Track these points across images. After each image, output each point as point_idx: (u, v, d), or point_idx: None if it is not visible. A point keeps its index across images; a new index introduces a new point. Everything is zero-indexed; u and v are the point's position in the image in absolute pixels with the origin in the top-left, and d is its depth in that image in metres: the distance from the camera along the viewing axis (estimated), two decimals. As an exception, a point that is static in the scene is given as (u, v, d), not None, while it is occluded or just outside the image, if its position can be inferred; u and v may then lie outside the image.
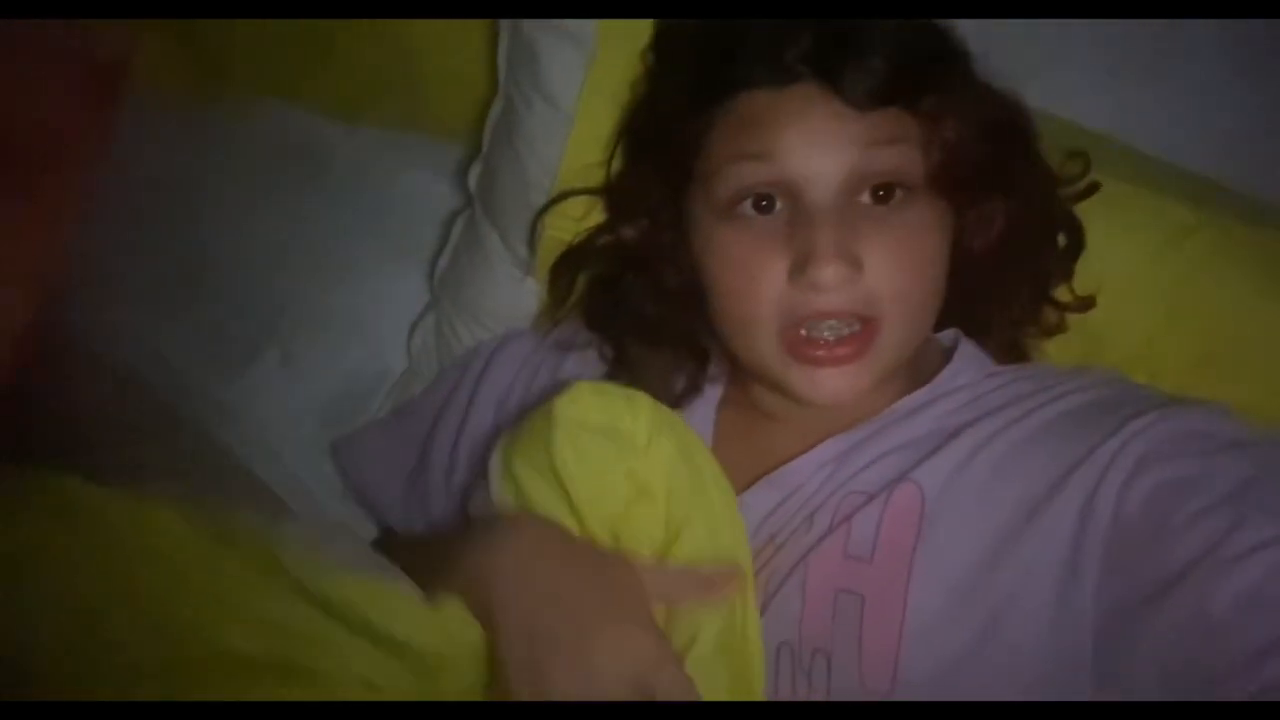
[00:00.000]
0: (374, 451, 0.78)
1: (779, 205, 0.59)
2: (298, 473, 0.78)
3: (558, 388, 0.58)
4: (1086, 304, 0.64)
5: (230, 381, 0.80)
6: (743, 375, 0.66)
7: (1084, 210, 0.64)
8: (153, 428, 0.71)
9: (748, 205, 0.59)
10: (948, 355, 0.64)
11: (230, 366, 0.80)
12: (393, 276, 0.83)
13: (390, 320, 0.83)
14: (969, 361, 0.64)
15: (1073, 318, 0.64)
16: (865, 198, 0.58)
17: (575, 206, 0.70)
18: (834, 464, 0.61)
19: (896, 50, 0.58)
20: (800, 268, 0.57)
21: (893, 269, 0.57)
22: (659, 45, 0.67)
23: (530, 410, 0.58)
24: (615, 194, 0.68)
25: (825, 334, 0.58)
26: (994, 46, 0.62)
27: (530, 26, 0.69)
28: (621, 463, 0.54)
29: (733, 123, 0.60)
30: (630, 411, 0.55)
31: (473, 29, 0.78)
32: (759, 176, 0.58)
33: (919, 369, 0.64)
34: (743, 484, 0.61)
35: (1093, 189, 0.64)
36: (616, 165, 0.69)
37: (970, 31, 0.62)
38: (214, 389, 0.79)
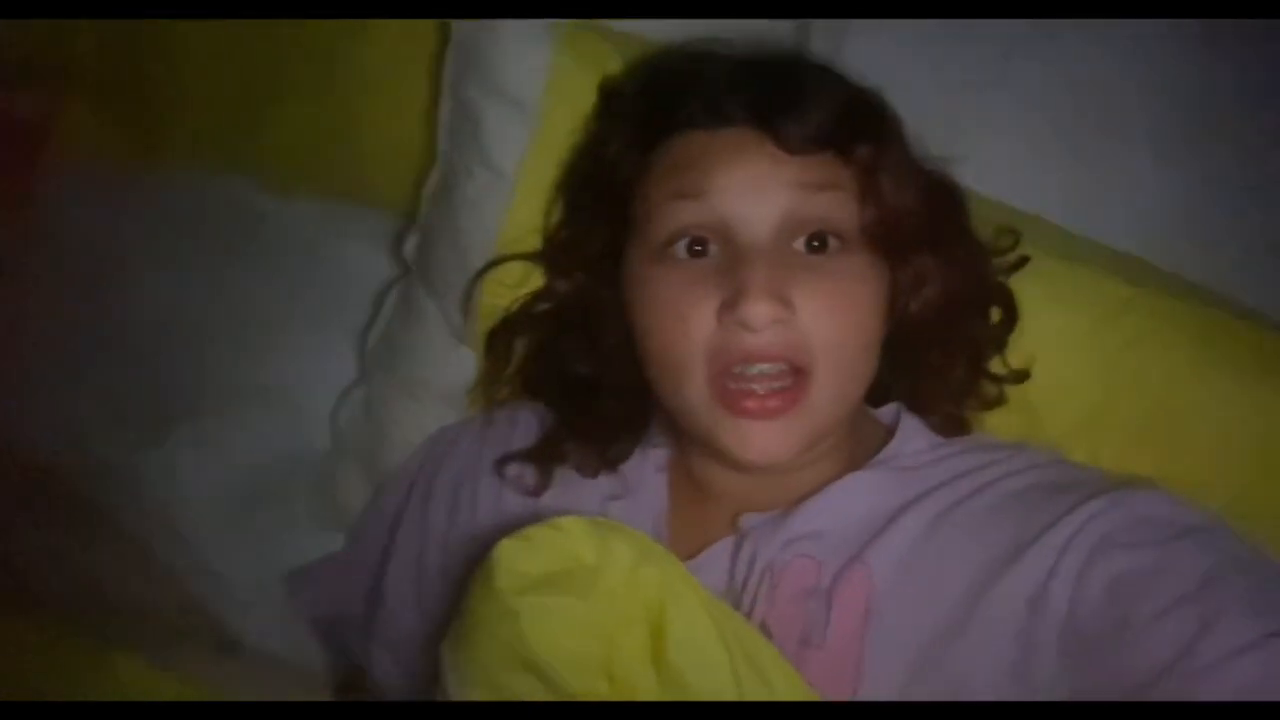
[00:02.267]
0: (330, 584, 0.75)
1: (713, 249, 0.58)
2: (210, 561, 0.73)
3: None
4: (1021, 376, 0.64)
5: (141, 460, 0.75)
6: (684, 445, 0.65)
7: (1017, 284, 0.64)
8: (68, 515, 0.66)
9: (681, 247, 0.59)
10: (888, 430, 0.64)
11: (142, 442, 0.75)
12: (319, 350, 0.80)
13: (315, 396, 0.79)
14: (912, 434, 0.63)
15: (1012, 392, 0.64)
16: (800, 244, 0.58)
17: (512, 273, 0.69)
18: (784, 520, 0.59)
19: (828, 97, 0.59)
20: (730, 306, 0.56)
21: (825, 314, 0.57)
22: (605, 104, 0.67)
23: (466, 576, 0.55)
24: (553, 248, 0.68)
25: (754, 385, 0.57)
26: (921, 126, 0.63)
27: (473, 93, 0.69)
28: (592, 607, 0.51)
29: (668, 164, 0.60)
30: (564, 538, 0.53)
31: (412, 98, 0.77)
32: (693, 217, 0.58)
33: (861, 446, 0.63)
34: (697, 548, 0.60)
35: (1023, 262, 0.65)
36: (554, 222, 0.68)
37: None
38: (125, 467, 0.74)
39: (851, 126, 0.59)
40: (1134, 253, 0.68)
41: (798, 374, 0.57)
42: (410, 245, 0.75)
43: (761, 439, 0.57)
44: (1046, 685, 0.52)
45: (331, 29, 0.77)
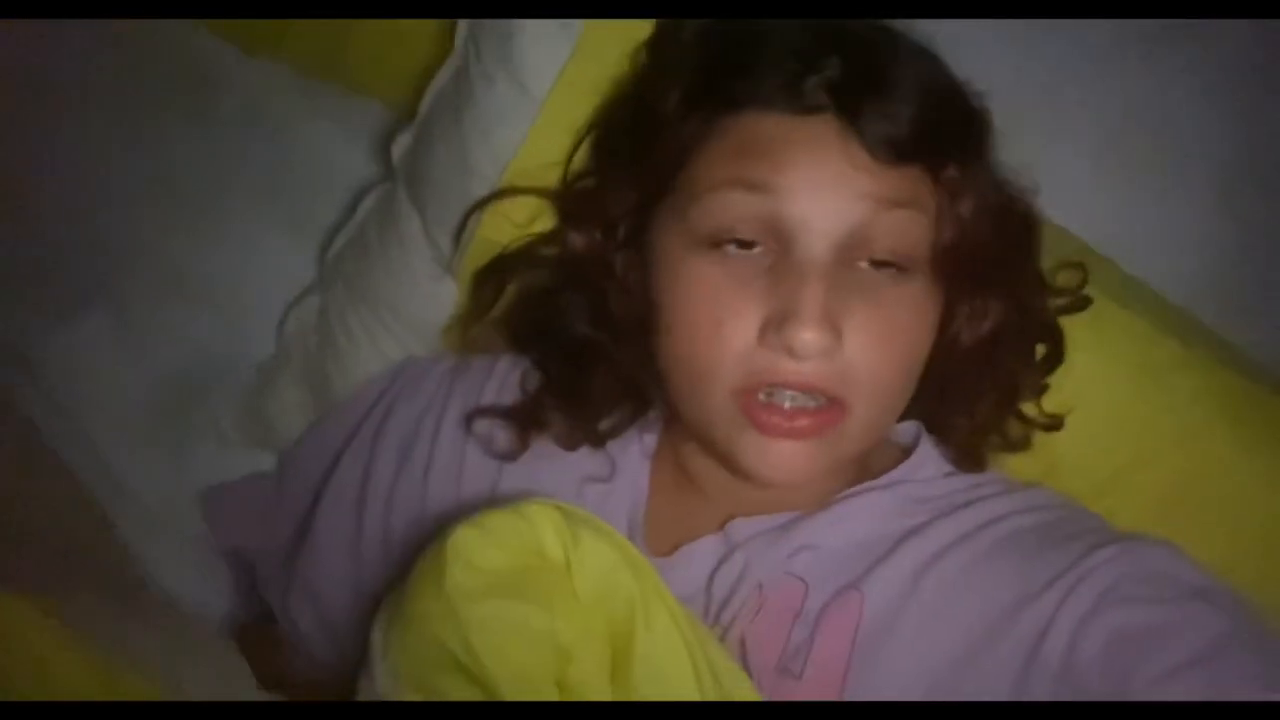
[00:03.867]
0: (252, 513, 0.67)
1: (762, 247, 0.52)
2: (112, 463, 0.64)
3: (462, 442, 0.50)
4: (1055, 423, 0.60)
5: (45, 333, 0.64)
6: (678, 432, 0.59)
7: (1066, 324, 0.60)
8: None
9: (728, 240, 0.52)
10: (902, 448, 0.60)
11: (47, 314, 0.65)
12: (274, 242, 0.71)
13: (261, 293, 0.71)
14: (926, 459, 0.59)
15: (1039, 440, 0.60)
16: (862, 262, 0.52)
17: (520, 208, 0.61)
18: (779, 534, 0.55)
19: (927, 101, 0.52)
20: (778, 325, 0.50)
21: (873, 348, 0.52)
22: (659, 39, 0.59)
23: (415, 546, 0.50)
24: (573, 196, 0.60)
25: (786, 404, 0.52)
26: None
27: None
28: (551, 616, 0.46)
29: (733, 142, 0.53)
30: (530, 529, 0.48)
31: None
32: (751, 210, 0.51)
33: (870, 458, 0.59)
34: (677, 541, 0.56)
35: (1084, 302, 0.60)
36: (578, 164, 0.60)
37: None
38: (19, 344, 0.63)
39: (946, 137, 0.53)
40: (1181, 298, 0.65)
41: (833, 402, 0.52)
42: (400, 147, 0.66)
43: (785, 459, 0.52)
44: None
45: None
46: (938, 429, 0.60)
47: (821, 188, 0.51)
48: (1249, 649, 0.48)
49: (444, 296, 0.65)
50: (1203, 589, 0.51)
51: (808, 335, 0.49)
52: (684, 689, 0.48)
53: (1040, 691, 0.49)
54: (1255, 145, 0.67)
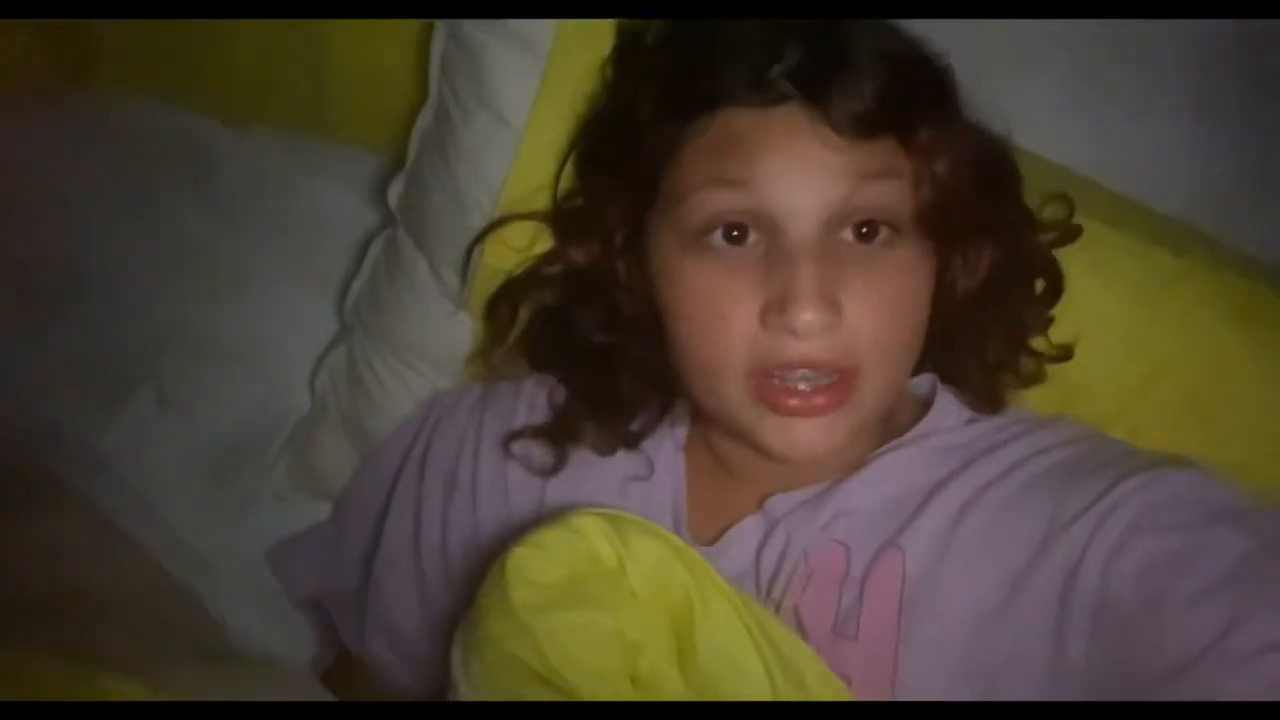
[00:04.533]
0: (317, 561, 0.70)
1: (753, 237, 0.53)
2: (182, 534, 0.67)
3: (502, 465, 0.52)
4: (1065, 353, 0.61)
5: (100, 426, 0.68)
6: (705, 421, 0.61)
7: (1063, 255, 0.60)
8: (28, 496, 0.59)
9: (718, 235, 0.53)
10: (922, 403, 0.61)
11: (100, 407, 0.68)
12: (294, 301, 0.74)
13: (291, 351, 0.73)
14: (947, 410, 0.60)
15: (1055, 370, 0.61)
16: (848, 234, 0.53)
17: (519, 234, 0.62)
18: (815, 503, 0.57)
19: (889, 74, 0.53)
20: (776, 310, 0.52)
21: (874, 315, 0.53)
22: (624, 50, 0.60)
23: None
24: (566, 213, 0.61)
25: (800, 384, 0.53)
26: (964, 72, 0.58)
27: (474, 28, 0.61)
28: (614, 616, 0.49)
29: (709, 142, 0.54)
30: (580, 540, 0.50)
31: (392, 21, 0.69)
32: (734, 205, 0.53)
33: (893, 417, 0.60)
34: (721, 527, 0.58)
35: (1074, 234, 0.61)
36: (567, 182, 0.62)
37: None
38: (82, 435, 0.67)
39: (912, 105, 0.53)
40: (1177, 215, 0.65)
41: (844, 373, 0.53)
42: (396, 192, 0.68)
43: (808, 436, 0.54)
44: (1082, 664, 0.51)
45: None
46: (953, 378, 0.61)
47: (798, 173, 0.52)
48: (1274, 566, 0.49)
49: (461, 330, 0.67)
50: (1229, 510, 0.51)
51: (808, 315, 0.51)
52: (748, 665, 0.51)
53: (1081, 620, 0.50)
54: (1229, 56, 0.66)
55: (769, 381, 0.53)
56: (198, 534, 0.69)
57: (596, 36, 0.60)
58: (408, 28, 0.68)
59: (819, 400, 0.53)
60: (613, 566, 0.51)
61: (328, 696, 0.59)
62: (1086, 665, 0.51)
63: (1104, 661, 0.50)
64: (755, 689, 0.50)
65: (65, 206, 0.71)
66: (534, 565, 0.50)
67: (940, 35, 0.57)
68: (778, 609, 0.56)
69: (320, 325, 0.73)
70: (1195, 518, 0.51)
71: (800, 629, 0.55)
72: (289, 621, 0.71)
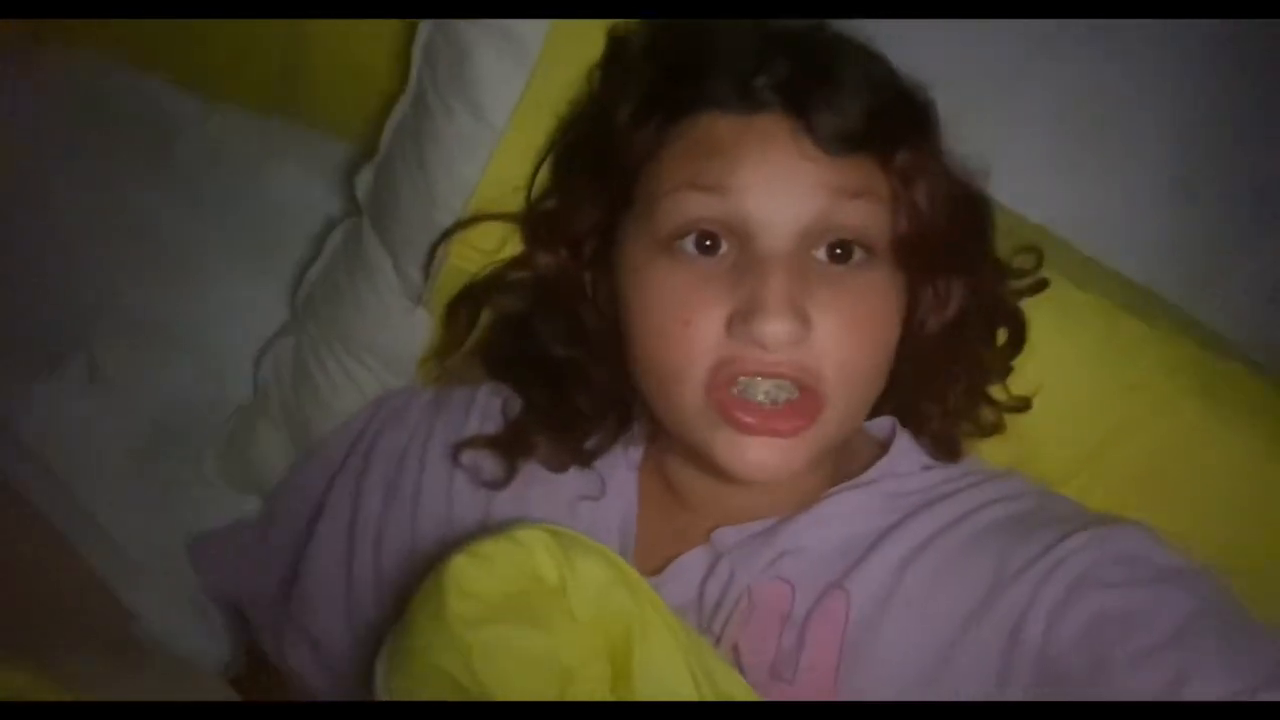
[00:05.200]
0: (240, 560, 0.67)
1: (725, 247, 0.53)
2: (99, 517, 0.63)
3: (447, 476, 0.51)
4: (1023, 405, 0.61)
5: (20, 394, 0.64)
6: (661, 445, 0.59)
7: (1029, 308, 0.61)
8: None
9: (689, 241, 0.53)
10: (879, 444, 0.61)
11: (22, 375, 0.64)
12: (243, 285, 0.71)
13: (233, 337, 0.70)
14: (904, 454, 0.60)
15: (1012, 422, 0.61)
16: (821, 253, 0.53)
17: (487, 236, 0.61)
18: (763, 538, 0.56)
19: (874, 94, 0.53)
20: (744, 318, 0.51)
21: (842, 335, 0.52)
22: (612, 52, 0.59)
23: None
24: (537, 217, 0.60)
25: (760, 397, 0.52)
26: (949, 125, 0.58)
27: (461, 22, 0.59)
28: (551, 638, 0.47)
29: (687, 146, 0.53)
30: (524, 554, 0.48)
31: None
32: (709, 211, 0.52)
33: (849, 455, 0.60)
34: (667, 555, 0.57)
35: (1041, 285, 0.61)
36: (541, 186, 0.61)
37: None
38: (4, 409, 0.63)
39: (894, 126, 0.53)
40: (1138, 272, 0.66)
41: (806, 392, 0.52)
42: (364, 182, 0.66)
43: (759, 455, 0.52)
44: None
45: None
46: (912, 420, 0.61)
47: (776, 183, 0.52)
48: (1215, 629, 0.49)
49: (418, 329, 0.65)
50: (1173, 570, 0.52)
51: (775, 325, 0.50)
52: (683, 697, 0.49)
53: (1023, 676, 0.50)
54: (1203, 123, 0.68)
55: (728, 394, 0.52)
56: (115, 519, 0.65)
57: (587, 40, 0.59)
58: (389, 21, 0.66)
59: (780, 424, 0.52)
60: (554, 585, 0.49)
61: (230, 697, 0.55)
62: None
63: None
64: None
65: (14, 165, 0.67)
66: (473, 576, 0.48)
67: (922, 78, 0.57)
68: (717, 644, 0.55)
69: (267, 312, 0.70)
70: (1139, 576, 0.51)
71: (739, 666, 0.54)
72: (207, 619, 0.67)
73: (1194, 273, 0.67)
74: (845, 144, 0.52)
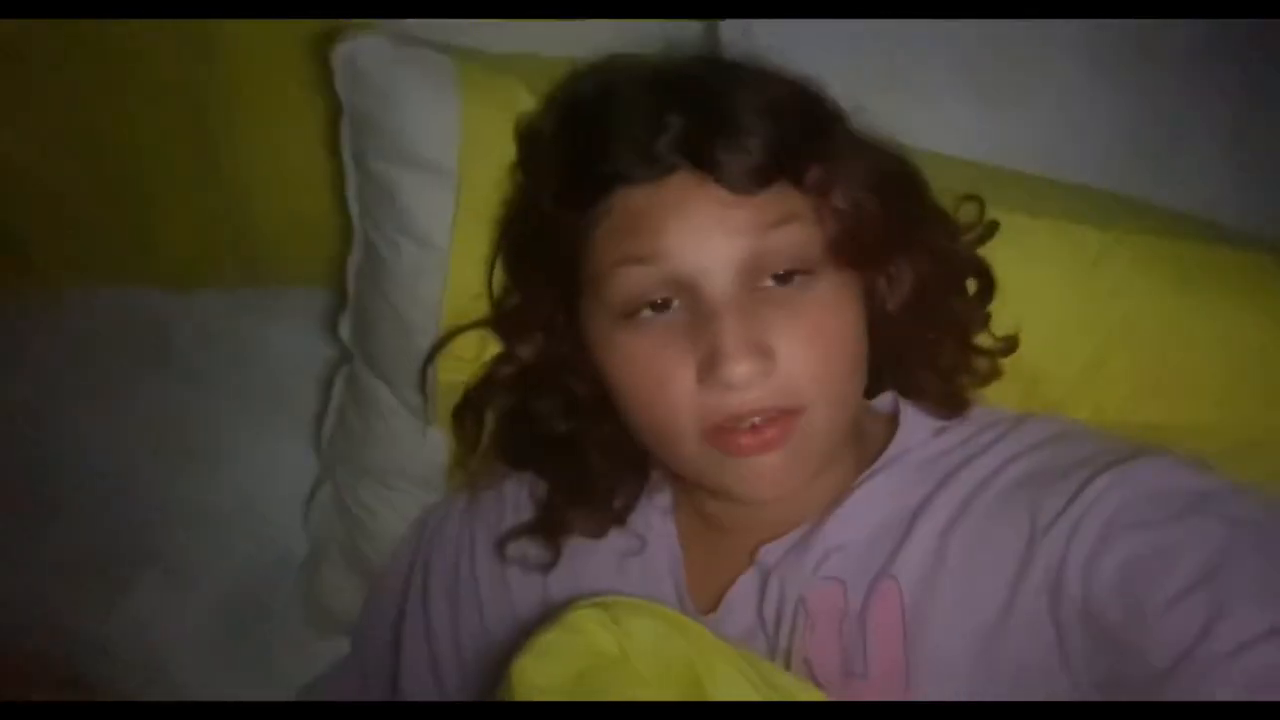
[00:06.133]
0: (347, 695, 0.70)
1: (676, 303, 0.55)
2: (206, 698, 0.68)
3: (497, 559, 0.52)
4: (1010, 346, 0.62)
5: (108, 615, 0.69)
6: (687, 484, 0.62)
7: (991, 251, 0.61)
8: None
9: (644, 308, 0.55)
10: (888, 420, 0.62)
11: (105, 597, 0.69)
12: (269, 448, 0.75)
13: (278, 499, 0.75)
14: (915, 424, 0.61)
15: (1009, 362, 0.62)
16: (767, 282, 0.55)
17: (466, 345, 0.64)
18: (804, 546, 0.57)
19: (770, 124, 0.55)
20: (708, 368, 0.53)
21: (807, 353, 0.54)
22: (525, 151, 0.62)
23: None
24: (504, 316, 0.63)
25: (746, 426, 0.54)
26: (858, 91, 0.59)
27: (379, 165, 0.62)
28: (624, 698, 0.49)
29: (613, 223, 0.56)
30: (579, 637, 0.51)
31: (306, 167, 0.70)
32: (649, 280, 0.54)
33: (863, 440, 0.61)
34: (721, 588, 0.58)
35: (992, 230, 0.62)
36: (499, 286, 0.64)
37: (834, 83, 0.59)
38: (90, 629, 0.68)
39: (798, 150, 0.55)
40: (1094, 183, 0.66)
41: (785, 412, 0.54)
42: (345, 328, 0.69)
43: (766, 474, 0.54)
44: (1085, 668, 0.51)
45: (196, 114, 0.70)
46: (912, 391, 0.62)
47: (701, 237, 0.53)
48: (1248, 556, 0.49)
49: (434, 446, 0.68)
50: (1200, 498, 0.51)
51: (739, 368, 0.52)
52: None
53: (1074, 631, 0.51)
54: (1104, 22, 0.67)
55: (720, 430, 0.54)
56: (221, 694, 0.70)
57: (499, 145, 0.62)
58: (324, 172, 0.69)
59: (770, 433, 0.54)
60: (615, 655, 0.51)
61: None
62: (1089, 673, 0.51)
63: (1104, 668, 0.50)
64: None
65: (26, 408, 0.72)
66: (538, 672, 0.50)
67: (822, 58, 0.58)
68: (788, 659, 0.56)
69: (302, 468, 0.74)
70: (1167, 512, 0.51)
71: (813, 676, 0.55)
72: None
73: (1135, 168, 0.67)
74: (754, 183, 0.54)
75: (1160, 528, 0.51)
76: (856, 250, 0.56)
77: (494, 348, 0.64)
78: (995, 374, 0.62)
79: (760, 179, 0.53)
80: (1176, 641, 0.47)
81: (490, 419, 0.65)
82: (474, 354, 0.64)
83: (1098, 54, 0.67)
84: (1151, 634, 0.48)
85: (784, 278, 0.54)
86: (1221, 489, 0.52)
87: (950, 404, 0.61)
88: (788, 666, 0.56)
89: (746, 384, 0.52)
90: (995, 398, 0.63)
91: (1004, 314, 0.62)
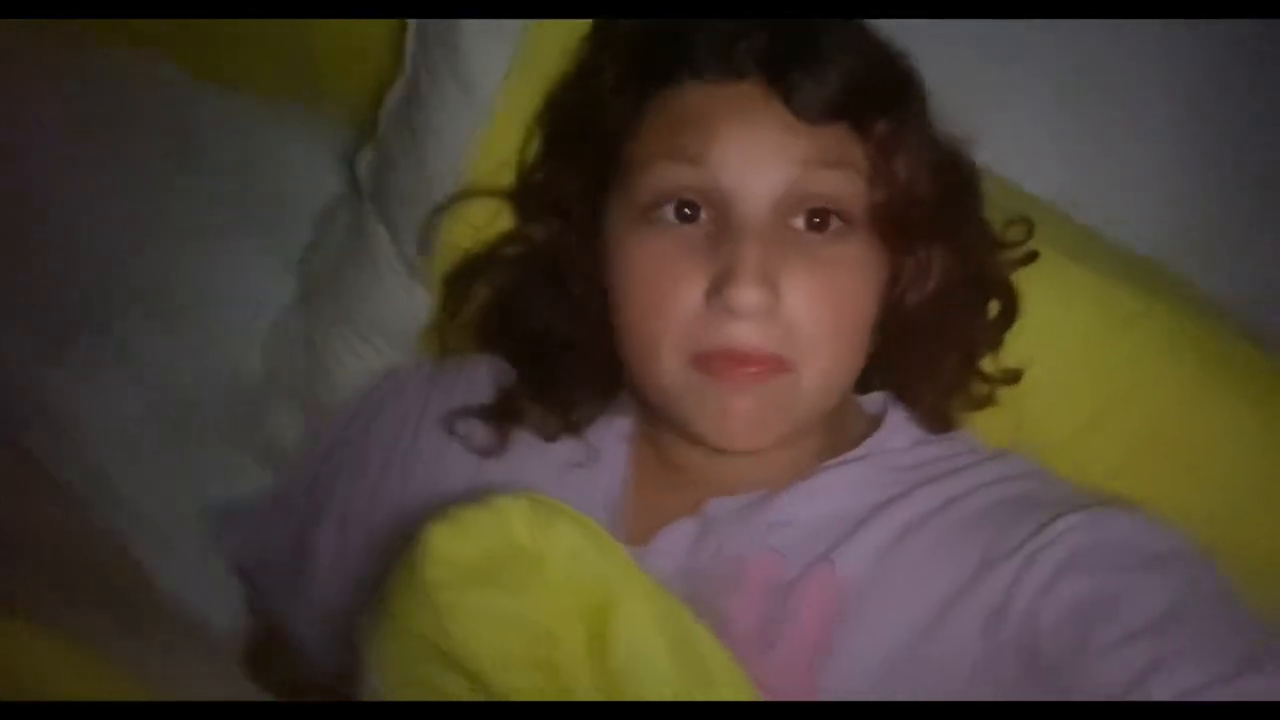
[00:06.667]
0: (256, 530, 0.69)
1: (703, 215, 0.53)
2: (124, 493, 0.66)
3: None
4: (1013, 378, 0.61)
5: (44, 365, 0.67)
6: (652, 417, 0.60)
7: (1021, 280, 0.60)
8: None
9: (669, 210, 0.53)
10: (873, 419, 0.61)
11: (44, 347, 0.67)
12: (251, 264, 0.73)
13: (245, 314, 0.72)
14: (897, 429, 0.60)
15: (1004, 394, 0.61)
16: (799, 221, 0.53)
17: (479, 211, 0.62)
18: (754, 509, 0.56)
19: (852, 63, 0.54)
20: (718, 287, 0.51)
21: (815, 304, 0.53)
22: (598, 29, 0.60)
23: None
24: (527, 189, 0.61)
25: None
26: (941, 91, 0.58)
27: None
28: (526, 602, 0.48)
29: (667, 116, 0.54)
30: (500, 521, 0.49)
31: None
32: (686, 180, 0.53)
33: (842, 430, 0.60)
34: (657, 525, 0.57)
35: (1031, 257, 0.61)
36: (531, 158, 0.62)
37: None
38: (21, 375, 0.66)
39: (873, 96, 0.53)
40: (1141, 244, 0.65)
41: (781, 360, 0.53)
42: (365, 164, 0.68)
43: (740, 417, 0.53)
44: (1004, 694, 0.50)
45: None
46: (905, 396, 0.61)
47: (752, 153, 0.52)
48: (1199, 615, 0.49)
49: (417, 305, 0.66)
50: (1162, 555, 0.51)
51: (746, 293, 0.50)
52: (660, 664, 0.50)
53: (1002, 660, 0.50)
54: (1205, 86, 0.66)
55: (710, 359, 0.53)
56: (140, 487, 0.67)
57: (571, 23, 0.60)
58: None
59: (756, 369, 0.52)
60: (529, 551, 0.49)
61: (242, 670, 0.58)
62: (1006, 699, 0.50)
63: (1025, 697, 0.49)
64: (665, 691, 0.50)
65: (28, 141, 0.70)
66: (448, 542, 0.49)
67: (918, 47, 0.57)
68: (704, 612, 0.55)
69: (276, 289, 0.72)
70: (1126, 562, 0.51)
71: (725, 635, 0.54)
72: (222, 589, 0.69)
73: (1199, 240, 0.66)
74: (823, 113, 0.52)
75: (1117, 574, 0.50)
76: (898, 223, 0.54)
77: (505, 222, 0.62)
78: (989, 402, 0.61)
79: (829, 111, 0.52)
80: (1109, 684, 0.47)
81: (480, 293, 0.63)
82: (484, 221, 0.62)
83: (1192, 121, 0.66)
84: (1086, 674, 0.48)
85: (818, 224, 0.53)
86: (1185, 551, 0.52)
87: (938, 420, 0.60)
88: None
89: (752, 312, 0.51)
90: (982, 428, 0.62)
91: (1017, 346, 0.60)
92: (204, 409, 0.71)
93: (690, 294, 0.52)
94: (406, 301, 0.66)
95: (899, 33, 0.57)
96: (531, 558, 0.50)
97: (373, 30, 0.70)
